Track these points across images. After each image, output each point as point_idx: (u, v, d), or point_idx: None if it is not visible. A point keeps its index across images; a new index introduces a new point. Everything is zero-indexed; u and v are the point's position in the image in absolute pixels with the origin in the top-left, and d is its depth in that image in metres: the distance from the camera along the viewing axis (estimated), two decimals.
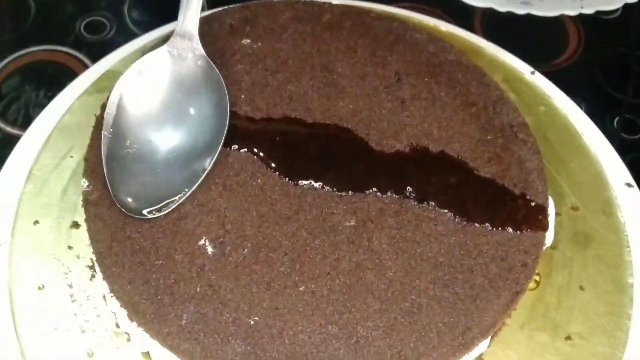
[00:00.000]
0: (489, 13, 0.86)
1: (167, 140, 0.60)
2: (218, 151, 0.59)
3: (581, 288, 0.62)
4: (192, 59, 0.62)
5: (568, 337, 0.59)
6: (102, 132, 0.59)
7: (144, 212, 0.57)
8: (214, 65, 0.62)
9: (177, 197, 0.57)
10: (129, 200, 0.57)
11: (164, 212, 0.57)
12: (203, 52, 0.62)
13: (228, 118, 0.60)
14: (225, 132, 0.60)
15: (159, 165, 0.59)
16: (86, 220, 0.58)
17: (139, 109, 0.61)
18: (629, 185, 0.68)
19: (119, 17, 0.87)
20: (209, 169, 0.59)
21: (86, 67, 0.80)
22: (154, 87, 0.62)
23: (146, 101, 0.61)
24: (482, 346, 0.56)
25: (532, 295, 0.61)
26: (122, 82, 0.61)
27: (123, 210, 0.56)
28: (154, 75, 0.62)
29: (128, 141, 0.59)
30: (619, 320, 0.60)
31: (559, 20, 0.88)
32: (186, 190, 0.58)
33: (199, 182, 0.58)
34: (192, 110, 0.61)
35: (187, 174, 0.59)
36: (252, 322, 0.53)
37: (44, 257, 0.61)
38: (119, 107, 0.60)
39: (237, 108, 0.63)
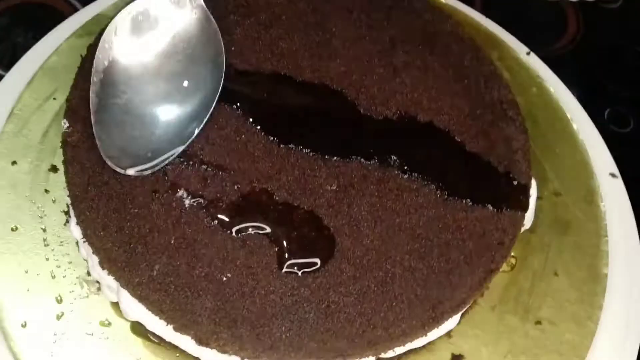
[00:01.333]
0: None
1: (159, 93, 0.58)
2: (211, 109, 0.57)
3: (556, 274, 0.62)
4: (189, 8, 0.59)
5: (538, 322, 0.59)
6: (92, 77, 0.56)
7: (131, 170, 0.54)
8: (212, 18, 0.59)
9: (166, 155, 0.56)
10: (116, 154, 0.55)
11: (152, 171, 0.55)
12: (201, 1, 0.59)
13: (223, 75, 0.58)
14: (219, 89, 0.58)
15: (149, 118, 0.57)
16: (64, 162, 0.57)
17: (132, 57, 0.58)
18: (613, 175, 0.68)
19: None
20: (201, 127, 0.57)
21: (77, 10, 0.78)
22: (149, 34, 0.58)
23: (140, 49, 0.58)
24: (451, 322, 0.56)
25: (507, 277, 0.61)
26: (114, 25, 0.57)
27: (110, 163, 0.54)
28: (150, 22, 0.58)
29: (119, 89, 0.57)
30: (590, 309, 0.60)
31: (560, 5, 0.88)
32: (177, 148, 0.56)
33: (189, 141, 0.56)
34: (187, 64, 0.59)
35: (177, 131, 0.57)
36: (224, 279, 0.52)
37: (19, 199, 0.60)
38: (111, 52, 0.57)
39: (226, 59, 0.61)
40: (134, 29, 0.58)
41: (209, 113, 0.57)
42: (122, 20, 0.58)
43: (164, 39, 0.59)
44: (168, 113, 0.57)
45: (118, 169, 0.54)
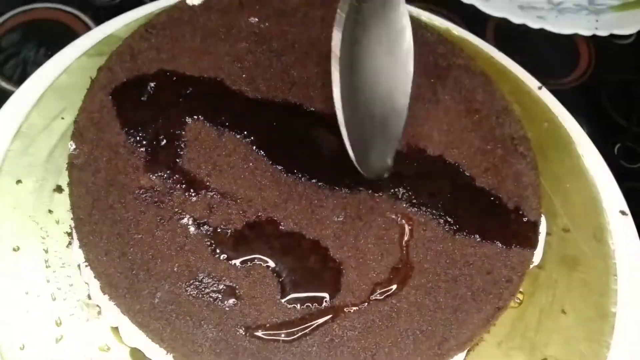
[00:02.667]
0: (503, 24, 0.85)
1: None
2: None
3: (563, 311, 0.61)
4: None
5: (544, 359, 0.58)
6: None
7: None
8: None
9: None
10: None
11: None
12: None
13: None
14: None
15: None
16: (69, 184, 0.56)
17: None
18: (622, 213, 0.68)
19: None
20: None
21: (90, 29, 0.78)
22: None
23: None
24: (457, 359, 0.55)
25: (514, 313, 0.60)
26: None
27: None
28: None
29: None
30: (597, 347, 0.59)
31: (572, 39, 0.87)
32: None
33: None
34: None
35: None
36: (227, 309, 0.51)
37: (22, 218, 0.59)
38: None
39: (237, 87, 0.61)
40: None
41: None
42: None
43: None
44: None
45: None
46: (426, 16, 0.77)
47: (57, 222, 0.60)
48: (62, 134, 0.64)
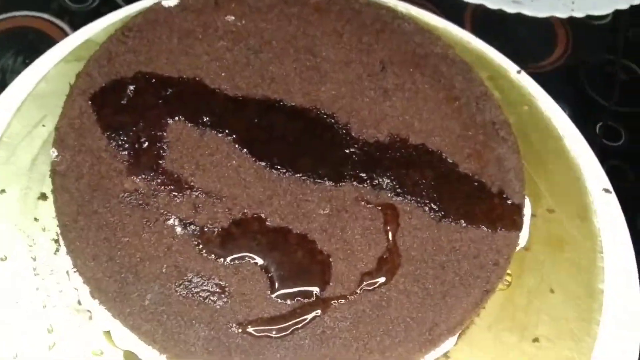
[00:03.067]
0: (480, 10, 0.86)
1: None
2: None
3: (551, 291, 0.61)
4: None
5: (535, 340, 0.59)
6: None
7: None
8: None
9: None
10: None
11: None
12: None
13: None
14: None
15: None
16: (53, 191, 0.56)
17: None
18: (606, 191, 0.68)
19: None
20: None
21: (67, 35, 0.78)
22: None
23: None
24: (448, 343, 0.56)
25: (502, 295, 0.61)
26: None
27: None
28: None
29: None
30: (587, 325, 0.60)
31: (549, 21, 0.88)
32: None
33: None
34: None
35: None
36: (217, 307, 0.52)
37: (8, 228, 0.59)
38: None
39: (216, 85, 0.62)
40: None
41: None
42: None
43: None
44: None
45: None
46: (403, 6, 0.77)
47: (44, 230, 0.60)
48: (44, 141, 0.64)
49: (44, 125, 0.65)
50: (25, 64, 0.71)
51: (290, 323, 0.52)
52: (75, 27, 0.79)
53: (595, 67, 0.86)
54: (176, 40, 0.64)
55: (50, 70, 0.68)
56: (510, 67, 0.75)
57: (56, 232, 0.58)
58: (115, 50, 0.62)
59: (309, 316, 0.52)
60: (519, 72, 0.74)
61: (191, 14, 0.65)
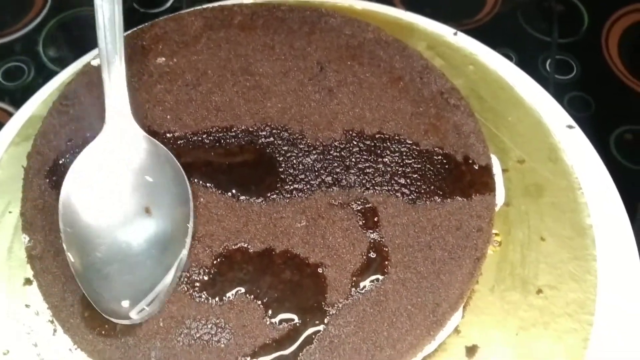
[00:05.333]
0: None
1: (134, 233, 0.56)
2: (191, 224, 0.56)
3: (542, 239, 0.62)
4: (132, 140, 0.58)
5: (539, 291, 0.59)
6: (63, 242, 0.54)
7: (133, 313, 0.53)
8: (157, 142, 0.58)
9: (162, 287, 0.54)
10: (115, 306, 0.53)
11: (154, 307, 0.53)
12: (142, 131, 0.59)
13: (189, 187, 0.57)
14: (190, 201, 0.56)
15: (133, 259, 0.55)
16: (34, 275, 0.56)
17: (95, 209, 0.56)
18: (570, 127, 0.69)
19: (36, 58, 0.84)
20: (188, 245, 0.55)
21: (12, 115, 0.77)
22: (103, 181, 0.57)
23: (100, 198, 0.57)
24: (455, 318, 0.56)
25: (496, 256, 0.61)
26: (68, 181, 0.56)
27: (112, 320, 0.52)
28: (101, 169, 0.58)
29: (93, 245, 0.55)
30: (585, 263, 0.60)
31: None
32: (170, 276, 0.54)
33: (176, 263, 0.54)
34: (150, 194, 0.57)
35: (166, 259, 0.55)
36: (222, 346, 0.52)
37: (3, 321, 0.59)
38: (73, 212, 0.55)
39: (164, 129, 0.62)
40: (87, 180, 0.57)
41: (190, 226, 0.56)
42: (73, 176, 0.57)
43: (121, 178, 0.58)
44: (150, 246, 0.56)
45: (125, 322, 0.53)
46: (330, 3, 0.76)
47: (37, 314, 0.59)
48: (15, 227, 0.63)
49: (10, 212, 0.64)
50: None
51: (297, 342, 0.52)
52: (17, 104, 0.78)
53: (530, 7, 0.86)
54: None
55: (3, 156, 0.68)
56: (445, 31, 0.75)
57: (49, 314, 0.58)
58: (59, 122, 0.62)
59: (313, 329, 0.52)
60: (455, 34, 0.74)
61: None
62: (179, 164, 0.58)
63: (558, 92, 0.72)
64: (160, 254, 0.55)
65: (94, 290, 0.53)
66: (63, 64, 0.81)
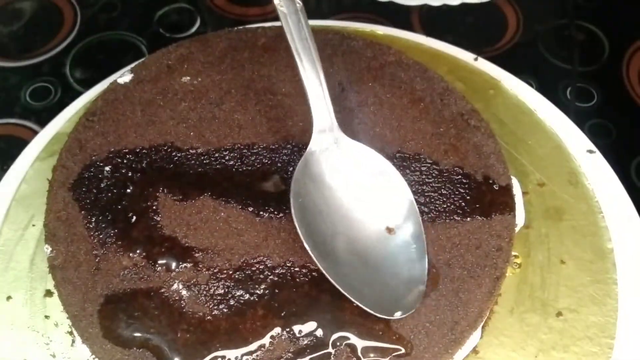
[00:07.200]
0: (425, 10, 0.87)
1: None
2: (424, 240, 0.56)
3: (562, 262, 0.61)
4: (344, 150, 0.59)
5: (559, 314, 0.59)
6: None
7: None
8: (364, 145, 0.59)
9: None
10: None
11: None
12: (348, 139, 0.59)
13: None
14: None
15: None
16: (55, 285, 0.57)
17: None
18: (590, 151, 0.69)
19: (63, 79, 0.86)
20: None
21: (37, 134, 0.79)
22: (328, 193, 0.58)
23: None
24: (474, 338, 0.56)
25: (516, 278, 0.61)
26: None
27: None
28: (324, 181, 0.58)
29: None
30: (605, 287, 0.60)
31: (495, 4, 0.89)
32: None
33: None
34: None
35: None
36: (238, 356, 0.52)
37: (22, 332, 0.60)
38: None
39: (188, 146, 0.63)
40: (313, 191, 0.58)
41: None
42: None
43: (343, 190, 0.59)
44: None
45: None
46: (350, 25, 0.78)
47: (56, 325, 0.60)
48: (37, 240, 0.65)
49: (34, 225, 0.66)
50: (4, 170, 0.72)
51: (313, 355, 0.52)
52: (42, 123, 0.80)
53: (550, 35, 0.87)
54: (140, 113, 0.65)
55: (28, 170, 0.69)
56: (466, 56, 0.76)
57: (68, 325, 0.59)
58: (84, 137, 0.63)
59: (331, 344, 0.52)
60: (476, 59, 0.75)
61: (148, 84, 0.66)
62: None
63: (579, 119, 0.72)
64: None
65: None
66: (89, 85, 0.83)
